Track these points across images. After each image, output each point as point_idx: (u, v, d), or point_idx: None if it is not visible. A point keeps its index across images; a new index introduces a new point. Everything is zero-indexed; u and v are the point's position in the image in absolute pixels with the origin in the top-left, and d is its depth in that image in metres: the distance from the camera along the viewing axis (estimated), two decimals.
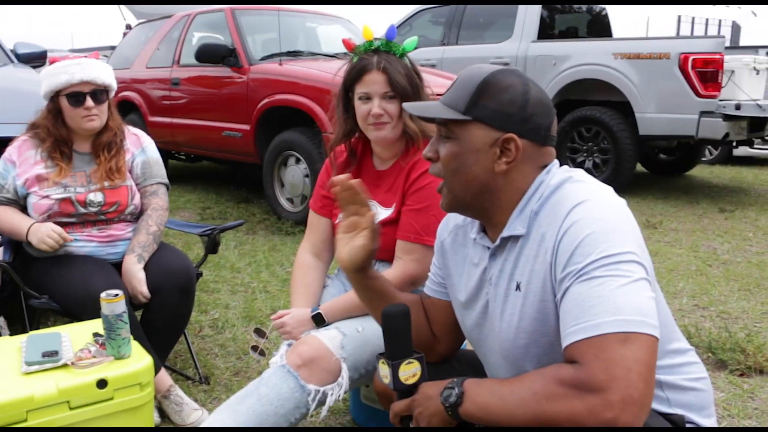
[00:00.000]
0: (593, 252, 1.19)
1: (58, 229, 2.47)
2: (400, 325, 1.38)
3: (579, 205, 1.25)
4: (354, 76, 2.04)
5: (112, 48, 11.65)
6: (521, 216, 1.35)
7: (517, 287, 1.34)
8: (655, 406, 1.32)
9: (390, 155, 2.12)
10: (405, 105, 1.47)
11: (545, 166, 1.38)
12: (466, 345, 1.75)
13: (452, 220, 1.61)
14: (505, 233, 1.37)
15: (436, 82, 4.13)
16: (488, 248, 1.43)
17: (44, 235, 2.44)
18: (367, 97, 2.02)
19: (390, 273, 1.99)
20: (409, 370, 1.38)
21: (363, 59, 2.03)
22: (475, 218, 1.47)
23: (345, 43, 2.12)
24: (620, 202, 1.29)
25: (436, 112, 1.38)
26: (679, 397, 1.35)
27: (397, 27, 5.58)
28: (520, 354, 1.35)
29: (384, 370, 1.39)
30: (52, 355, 1.85)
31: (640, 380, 1.09)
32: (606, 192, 1.31)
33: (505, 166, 1.34)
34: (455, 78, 1.41)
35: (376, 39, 2.06)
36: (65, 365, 1.84)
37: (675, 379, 1.35)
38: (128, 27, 8.49)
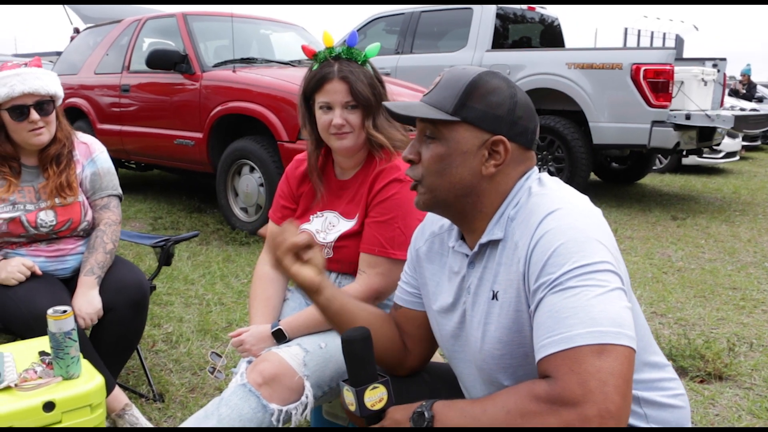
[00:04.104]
0: (567, 262, 1.15)
1: (29, 263, 2.35)
2: (361, 350, 1.34)
3: (551, 214, 1.22)
4: (314, 85, 1.97)
5: (58, 54, 11.33)
6: (500, 222, 1.32)
7: (494, 296, 1.30)
8: (633, 422, 1.30)
9: (352, 165, 2.06)
10: (386, 104, 1.38)
11: (527, 171, 1.35)
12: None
13: (428, 228, 1.56)
14: (484, 239, 1.33)
15: (390, 90, 4.06)
16: (467, 256, 1.39)
17: (14, 270, 2.31)
18: (328, 107, 1.95)
19: (353, 287, 1.93)
20: (375, 395, 1.33)
21: (323, 67, 1.96)
22: (454, 221, 1.42)
23: (304, 49, 2.05)
24: (595, 211, 1.26)
25: (422, 111, 1.32)
26: (657, 413, 1.32)
27: None
28: (495, 365, 1.31)
29: (349, 397, 1.34)
30: None
31: (616, 393, 1.06)
32: (580, 200, 1.28)
33: (493, 169, 1.31)
34: (437, 79, 1.36)
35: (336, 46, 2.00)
36: (8, 387, 1.72)
37: (653, 396, 1.33)
38: (76, 31, 8.25)
